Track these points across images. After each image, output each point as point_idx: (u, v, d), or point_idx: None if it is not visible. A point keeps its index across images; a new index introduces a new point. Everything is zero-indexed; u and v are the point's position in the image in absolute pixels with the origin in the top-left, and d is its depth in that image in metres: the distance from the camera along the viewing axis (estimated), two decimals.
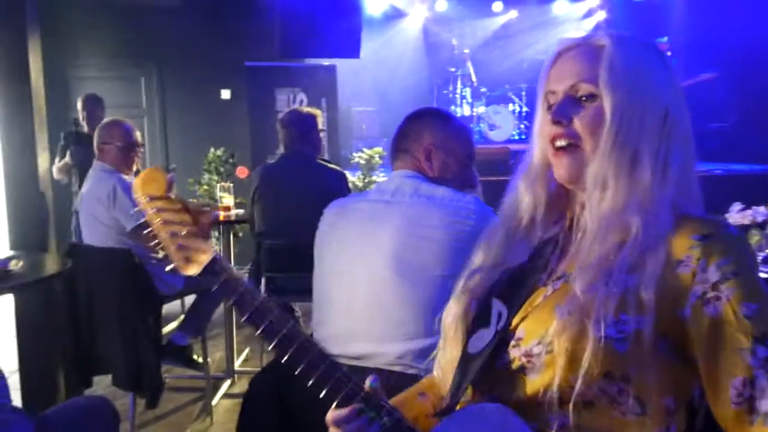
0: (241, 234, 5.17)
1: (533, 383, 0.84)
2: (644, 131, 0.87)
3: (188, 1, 5.56)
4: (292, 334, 0.93)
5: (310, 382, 0.89)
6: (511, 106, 7.76)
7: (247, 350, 3.87)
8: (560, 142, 0.90)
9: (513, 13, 8.39)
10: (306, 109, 3.55)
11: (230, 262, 3.51)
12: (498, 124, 7.56)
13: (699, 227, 0.83)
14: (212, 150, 5.47)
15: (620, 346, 0.79)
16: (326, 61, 5.64)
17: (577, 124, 0.89)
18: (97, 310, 2.70)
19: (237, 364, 3.62)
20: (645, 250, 0.82)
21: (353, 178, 4.95)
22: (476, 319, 0.95)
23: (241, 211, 3.67)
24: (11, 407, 1.30)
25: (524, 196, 0.98)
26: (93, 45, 5.82)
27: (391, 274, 1.47)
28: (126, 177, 2.99)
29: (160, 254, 0.97)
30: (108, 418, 1.61)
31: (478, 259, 1.02)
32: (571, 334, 0.80)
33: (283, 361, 0.92)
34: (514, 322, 0.89)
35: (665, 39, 7.03)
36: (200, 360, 3.17)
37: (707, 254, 0.80)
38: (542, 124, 0.94)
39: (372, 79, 7.44)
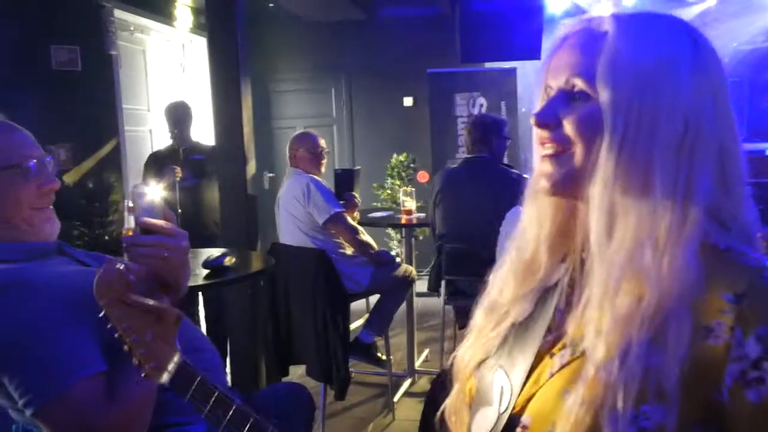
0: (421, 237, 5.32)
1: None
2: (656, 144, 0.66)
3: (374, 13, 5.83)
4: None
5: None
6: None
7: (426, 351, 3.96)
8: (546, 149, 0.72)
9: (711, 1, 7.61)
10: (493, 114, 3.58)
11: (411, 264, 3.62)
12: None
13: (731, 280, 0.63)
14: (395, 155, 5.70)
15: None
16: (506, 64, 5.58)
17: (567, 127, 0.70)
18: (293, 304, 2.94)
19: (417, 363, 3.71)
20: (665, 314, 0.63)
21: None
22: (479, 392, 0.80)
23: (422, 215, 3.77)
24: (228, 387, 1.46)
25: (529, 223, 0.80)
26: (290, 61, 6.35)
27: None
28: (316, 177, 3.26)
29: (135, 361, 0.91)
30: (306, 404, 1.75)
31: (493, 290, 0.84)
32: (581, 427, 0.64)
33: None
34: (519, 402, 0.74)
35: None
36: (383, 358, 3.31)
37: (743, 320, 0.61)
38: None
39: None
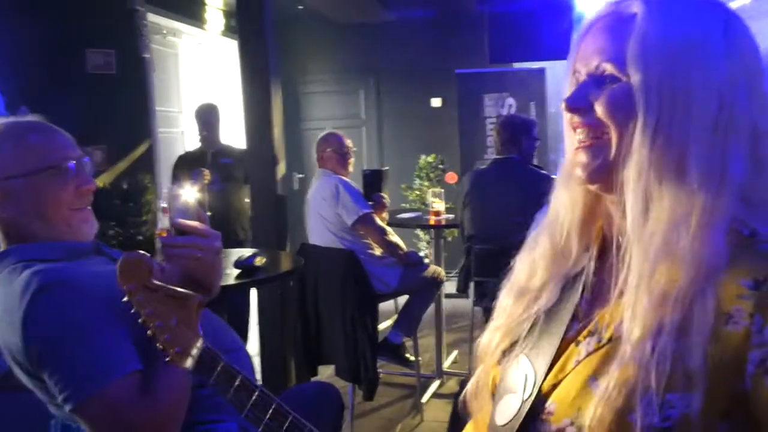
0: (450, 238, 5.30)
1: None
2: (691, 125, 0.65)
3: (404, 14, 5.83)
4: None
5: None
6: None
7: (455, 353, 3.95)
8: (579, 135, 0.72)
9: None
10: (523, 115, 3.56)
11: (440, 265, 3.62)
12: None
13: (752, 266, 0.62)
14: (423, 156, 5.69)
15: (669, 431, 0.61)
16: (535, 64, 5.54)
17: (599, 110, 0.69)
18: (322, 305, 2.96)
19: (445, 365, 3.71)
20: (692, 296, 0.62)
21: None
22: (503, 379, 0.80)
23: (450, 216, 3.76)
24: (259, 386, 1.48)
25: (563, 209, 0.79)
26: (319, 62, 6.39)
27: None
28: (345, 178, 3.28)
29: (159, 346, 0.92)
30: (335, 404, 1.76)
31: (521, 275, 0.83)
32: (607, 421, 0.64)
33: None
34: (545, 388, 0.73)
35: None
36: (412, 358, 3.32)
37: (763, 307, 0.60)
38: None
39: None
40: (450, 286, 3.92)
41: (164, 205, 2.17)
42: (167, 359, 0.91)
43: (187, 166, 3.73)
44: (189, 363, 0.90)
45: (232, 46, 5.49)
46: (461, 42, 5.82)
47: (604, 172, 0.70)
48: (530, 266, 0.83)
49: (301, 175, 6.29)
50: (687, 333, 0.62)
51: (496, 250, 3.08)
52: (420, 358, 3.44)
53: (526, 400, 0.74)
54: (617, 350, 0.66)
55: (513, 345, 0.80)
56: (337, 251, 3.02)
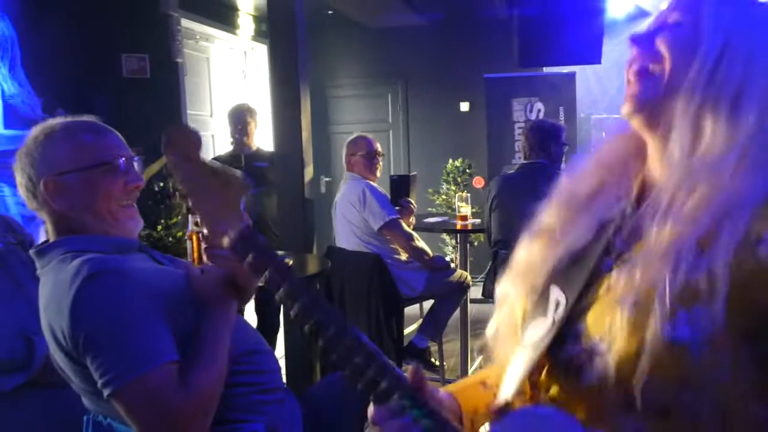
0: (476, 243, 5.28)
1: (597, 384, 0.70)
2: (752, 71, 0.68)
3: (432, 18, 5.84)
4: (331, 318, 0.76)
5: (346, 373, 0.75)
6: None
7: (480, 359, 3.93)
8: (633, 67, 0.75)
9: None
10: (551, 120, 3.54)
11: (466, 270, 3.61)
12: None
13: None
14: (450, 161, 5.69)
15: (692, 346, 0.63)
16: (565, 69, 5.49)
17: (659, 44, 0.72)
18: (348, 307, 2.98)
19: (471, 370, 3.69)
20: (725, 214, 0.64)
21: None
22: (532, 306, 0.82)
23: (477, 221, 3.75)
24: (284, 387, 1.50)
25: (595, 162, 0.83)
26: (348, 66, 6.44)
27: None
28: (372, 182, 3.30)
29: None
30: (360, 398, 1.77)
31: (545, 220, 0.87)
32: (634, 331, 0.66)
33: (319, 343, 0.76)
34: (576, 313, 0.75)
35: None
36: (437, 363, 3.31)
37: None
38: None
39: (612, 84, 7.05)
40: (476, 291, 3.91)
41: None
42: (204, 235, 0.87)
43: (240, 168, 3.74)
44: (226, 242, 0.84)
45: (262, 50, 5.57)
46: (490, 46, 5.80)
47: (651, 104, 0.73)
48: (558, 210, 0.86)
49: (328, 179, 6.33)
50: (713, 246, 0.63)
51: None
52: (445, 363, 3.43)
53: (557, 322, 0.76)
54: (637, 272, 0.68)
55: (538, 281, 0.82)
56: (363, 254, 3.04)
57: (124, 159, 1.32)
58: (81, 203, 1.27)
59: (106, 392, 1.13)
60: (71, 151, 1.27)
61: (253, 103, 5.70)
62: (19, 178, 1.28)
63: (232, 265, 1.09)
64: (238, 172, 0.93)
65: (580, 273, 0.77)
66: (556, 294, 0.78)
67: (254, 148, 3.83)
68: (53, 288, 1.20)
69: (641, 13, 7.44)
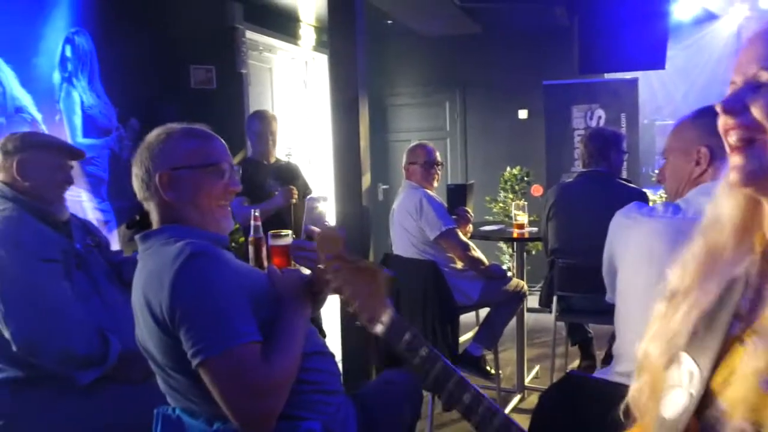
0: (533, 252, 5.23)
1: None
2: None
3: (490, 26, 5.83)
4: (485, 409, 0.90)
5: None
6: None
7: (537, 368, 3.89)
8: (732, 137, 0.72)
9: None
10: (611, 128, 3.49)
11: (522, 279, 3.58)
12: None
13: None
14: (508, 168, 5.65)
15: None
16: (627, 75, 5.38)
17: (756, 112, 0.70)
18: (404, 313, 3.01)
19: (527, 380, 3.66)
20: None
21: (654, 196, 4.63)
22: (667, 378, 0.79)
23: (534, 229, 3.72)
24: (342, 390, 1.55)
25: (720, 212, 0.79)
26: (406, 74, 6.49)
27: None
28: (429, 191, 3.31)
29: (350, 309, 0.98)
30: (414, 395, 1.81)
31: (675, 281, 0.84)
32: None
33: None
34: (714, 386, 0.73)
35: None
36: (492, 372, 3.30)
37: None
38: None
39: (677, 89, 6.85)
40: (532, 300, 3.87)
41: (257, 213, 2.30)
42: (357, 323, 1.01)
43: (250, 173, 3.43)
44: (379, 329, 0.96)
45: (323, 60, 5.69)
46: (549, 53, 5.74)
47: (760, 175, 0.71)
48: (683, 269, 0.84)
49: (385, 186, 6.39)
50: None
51: (580, 265, 3.03)
52: (501, 372, 3.41)
53: (695, 396, 0.74)
54: None
55: (674, 348, 0.81)
56: (419, 262, 3.07)
57: (227, 164, 1.48)
58: (187, 197, 1.42)
59: (195, 361, 1.24)
60: (186, 151, 1.43)
61: (314, 112, 5.84)
62: (136, 170, 1.43)
63: (314, 265, 1.18)
64: (381, 267, 1.05)
65: (713, 340, 0.75)
66: (689, 366, 0.76)
67: (279, 156, 3.66)
68: (157, 264, 1.33)
69: (709, 16, 7.20)
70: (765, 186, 0.71)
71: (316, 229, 1.19)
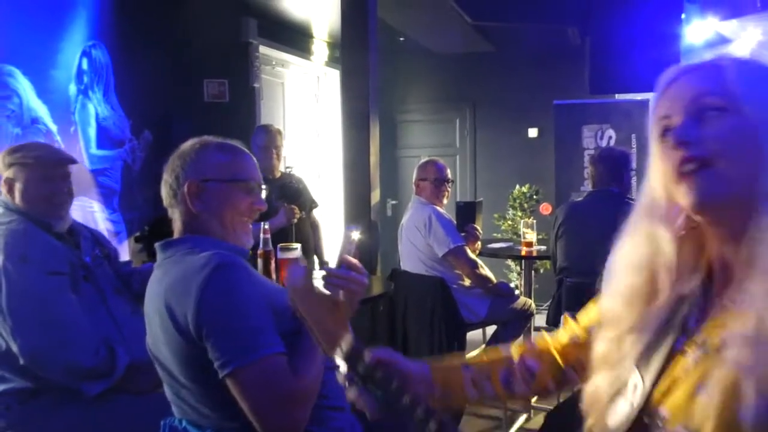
0: (542, 270, 5.21)
1: None
2: None
3: (502, 44, 5.86)
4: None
5: None
6: None
7: None
8: (688, 167, 0.74)
9: None
10: (619, 148, 3.49)
11: (530, 297, 3.57)
12: None
13: None
14: (517, 186, 5.65)
15: None
16: (639, 96, 5.38)
17: (709, 141, 0.73)
18: (411, 330, 3.01)
19: (534, 399, 3.63)
20: None
21: None
22: (616, 382, 0.84)
23: (543, 248, 3.71)
24: (349, 410, 1.54)
25: (647, 245, 0.84)
26: (417, 91, 6.53)
27: None
28: (439, 208, 3.32)
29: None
30: None
31: (613, 320, 0.88)
32: (719, 421, 0.67)
33: None
34: (655, 395, 0.78)
35: None
36: None
37: None
38: (660, 155, 0.78)
39: None
40: (540, 319, 3.86)
41: (266, 226, 2.32)
42: (321, 351, 1.02)
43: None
44: (338, 354, 0.98)
45: (335, 75, 5.74)
46: (560, 72, 5.76)
47: (717, 201, 0.74)
48: (618, 310, 0.87)
49: (394, 202, 6.40)
50: None
51: (588, 284, 3.00)
52: None
53: (636, 406, 0.79)
54: (723, 358, 0.70)
55: (624, 352, 0.85)
56: (427, 278, 3.07)
57: (256, 183, 1.49)
58: (212, 209, 1.43)
59: (224, 372, 1.24)
60: (218, 164, 1.44)
61: (325, 126, 5.87)
62: (167, 177, 1.45)
63: (344, 292, 1.19)
64: (341, 301, 1.07)
65: (658, 355, 0.79)
66: (635, 379, 0.81)
67: (283, 171, 3.56)
68: (179, 274, 1.33)
69: (721, 40, 7.19)
70: (718, 211, 0.75)
71: (351, 259, 1.19)
